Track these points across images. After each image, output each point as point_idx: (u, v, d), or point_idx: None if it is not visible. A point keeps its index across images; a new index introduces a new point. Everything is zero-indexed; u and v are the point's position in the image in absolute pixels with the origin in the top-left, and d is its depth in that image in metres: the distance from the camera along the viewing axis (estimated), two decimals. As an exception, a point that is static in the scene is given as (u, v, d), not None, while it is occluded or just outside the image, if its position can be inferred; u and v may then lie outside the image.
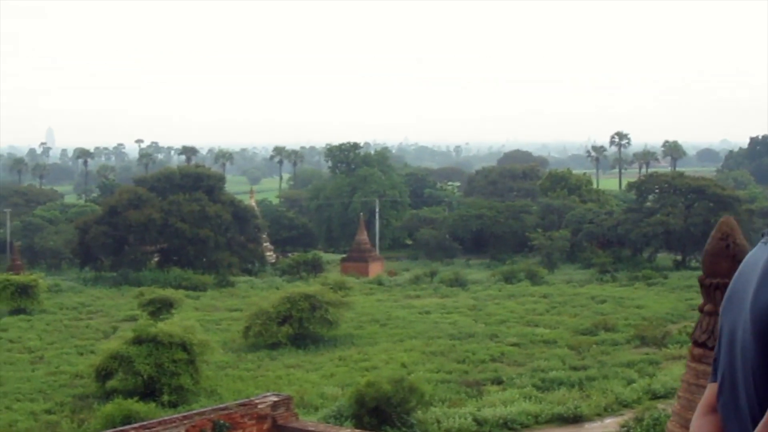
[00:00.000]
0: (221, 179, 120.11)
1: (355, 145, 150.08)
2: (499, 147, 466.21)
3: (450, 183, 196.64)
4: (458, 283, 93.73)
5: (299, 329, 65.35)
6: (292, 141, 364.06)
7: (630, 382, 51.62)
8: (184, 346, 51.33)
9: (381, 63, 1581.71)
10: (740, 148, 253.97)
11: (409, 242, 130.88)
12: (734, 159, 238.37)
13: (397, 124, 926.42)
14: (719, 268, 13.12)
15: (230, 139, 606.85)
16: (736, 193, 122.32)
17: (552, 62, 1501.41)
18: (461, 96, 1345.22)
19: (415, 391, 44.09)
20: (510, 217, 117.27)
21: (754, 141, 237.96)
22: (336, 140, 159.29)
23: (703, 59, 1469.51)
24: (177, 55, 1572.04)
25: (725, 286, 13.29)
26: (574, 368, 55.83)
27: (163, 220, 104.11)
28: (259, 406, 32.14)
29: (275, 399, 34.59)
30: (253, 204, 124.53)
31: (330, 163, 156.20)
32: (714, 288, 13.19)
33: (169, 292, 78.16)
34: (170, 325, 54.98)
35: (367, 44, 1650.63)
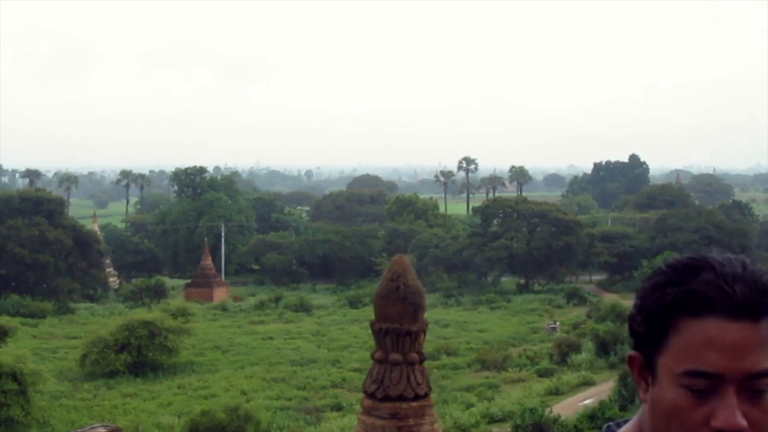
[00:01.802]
0: (62, 203, 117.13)
1: (202, 169, 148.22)
2: (350, 171, 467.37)
3: (299, 207, 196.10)
4: (303, 308, 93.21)
5: (138, 357, 63.92)
6: (143, 164, 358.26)
7: (469, 406, 51.84)
8: (15, 376, 49.39)
9: (235, 86, 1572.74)
10: (584, 174, 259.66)
11: (255, 267, 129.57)
12: (578, 184, 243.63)
13: (248, 148, 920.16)
14: (390, 312, 12.22)
15: (79, 162, 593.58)
16: (577, 217, 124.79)
17: (405, 87, 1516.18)
18: (315, 120, 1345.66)
19: (250, 420, 43.45)
20: (356, 242, 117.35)
21: (597, 167, 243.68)
22: (186, 164, 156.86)
23: (550, 87, 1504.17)
24: (24, 75, 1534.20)
25: (396, 331, 12.75)
26: (415, 393, 55.71)
27: (1, 246, 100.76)
28: (87, 438, 31.03)
29: (103, 430, 33.49)
30: (96, 229, 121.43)
31: (176, 188, 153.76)
32: (384, 333, 12.29)
33: (3, 320, 75.40)
34: (1, 355, 53.02)
35: (221, 67, 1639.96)
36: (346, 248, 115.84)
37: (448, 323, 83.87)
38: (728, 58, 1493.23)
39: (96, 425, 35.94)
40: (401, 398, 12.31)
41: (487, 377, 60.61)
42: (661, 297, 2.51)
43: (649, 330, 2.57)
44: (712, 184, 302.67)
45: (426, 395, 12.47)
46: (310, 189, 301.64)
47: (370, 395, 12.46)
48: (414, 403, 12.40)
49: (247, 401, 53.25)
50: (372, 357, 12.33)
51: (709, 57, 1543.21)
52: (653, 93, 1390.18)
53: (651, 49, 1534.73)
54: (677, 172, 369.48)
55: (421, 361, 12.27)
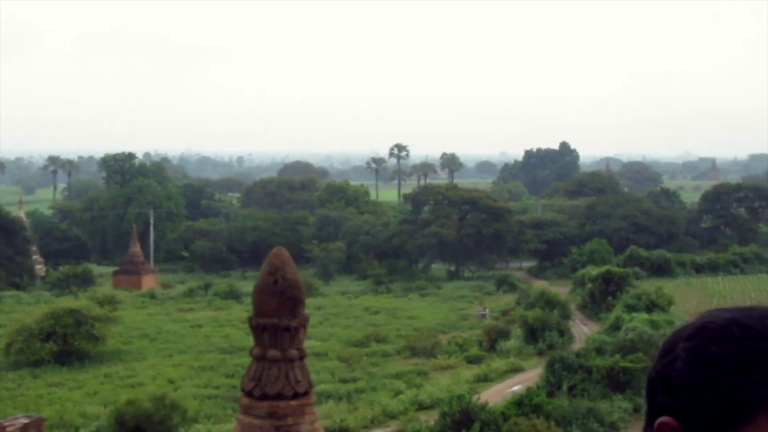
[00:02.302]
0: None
1: (131, 156, 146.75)
2: (282, 158, 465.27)
3: (230, 194, 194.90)
4: (233, 295, 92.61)
5: (64, 346, 62.88)
6: (73, 150, 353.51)
7: (398, 393, 51.70)
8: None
9: (166, 71, 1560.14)
10: (515, 161, 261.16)
11: (185, 254, 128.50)
12: (509, 171, 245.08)
13: (180, 134, 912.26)
14: (268, 307, 11.70)
15: (6, 147, 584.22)
16: (508, 204, 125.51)
17: (338, 74, 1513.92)
18: (247, 106, 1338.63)
19: (177, 408, 42.96)
20: (287, 229, 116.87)
21: (528, 154, 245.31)
22: (117, 150, 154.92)
23: (482, 74, 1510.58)
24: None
25: (274, 326, 12.42)
26: (344, 380, 55.68)
27: None
28: (8, 429, 30.49)
29: (25, 421, 32.94)
30: (23, 215, 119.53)
31: (105, 174, 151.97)
32: (262, 329, 11.82)
33: None
34: None
35: (155, 50, 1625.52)
36: (276, 235, 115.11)
37: (378, 310, 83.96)
38: (658, 49, 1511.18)
39: (18, 416, 35.22)
40: (279, 396, 11.98)
41: (416, 364, 60.61)
42: (740, 386, 2.19)
43: (713, 412, 2.24)
44: (641, 171, 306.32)
45: (306, 393, 12.14)
46: (242, 175, 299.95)
47: (248, 393, 12.08)
48: (293, 402, 12.08)
49: (175, 390, 52.76)
50: (250, 354, 11.98)
51: (639, 47, 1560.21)
52: (583, 81, 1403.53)
53: (581, 39, 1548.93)
54: (607, 159, 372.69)
55: (301, 358, 11.96)
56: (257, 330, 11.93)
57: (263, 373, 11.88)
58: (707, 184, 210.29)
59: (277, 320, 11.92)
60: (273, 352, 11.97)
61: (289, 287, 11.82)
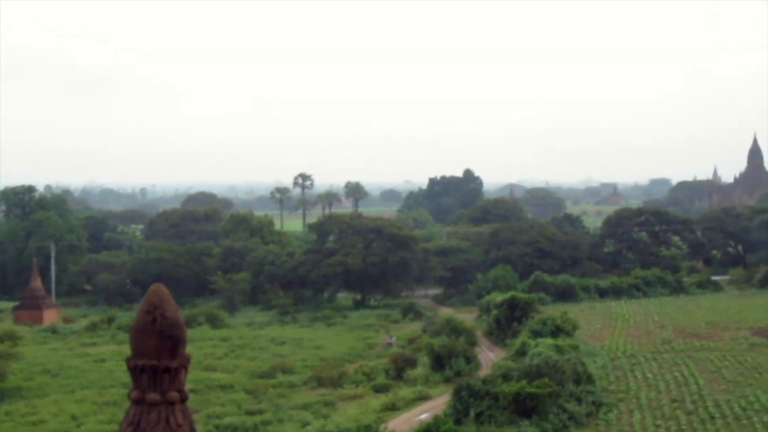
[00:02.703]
0: None
1: (31, 188, 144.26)
2: (185, 189, 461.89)
3: (133, 226, 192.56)
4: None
5: (-38, 384, 61.28)
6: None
7: (305, 424, 51.26)
8: None
9: (64, 102, 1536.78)
10: (420, 189, 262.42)
11: (87, 288, 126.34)
12: (414, 199, 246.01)
13: (81, 166, 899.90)
14: (146, 347, 11.22)
15: None
16: (413, 232, 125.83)
17: (241, 102, 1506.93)
18: (149, 137, 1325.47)
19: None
20: (191, 260, 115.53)
21: (432, 181, 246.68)
22: (16, 182, 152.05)
23: (386, 103, 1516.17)
24: None
25: (153, 368, 11.98)
26: (250, 413, 55.05)
27: None
28: None
29: None
30: None
31: (4, 207, 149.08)
32: (140, 371, 11.34)
33: None
34: None
35: (54, 82, 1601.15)
36: (180, 267, 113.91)
37: (284, 341, 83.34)
38: (560, 76, 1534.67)
39: None
40: (160, 442, 11.48)
41: (323, 394, 60.22)
42: None
43: None
44: (544, 197, 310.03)
45: (188, 437, 11.64)
46: (145, 207, 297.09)
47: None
48: (174, 448, 11.60)
49: (78, 426, 51.82)
50: (128, 397, 11.48)
51: (540, 75, 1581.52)
52: (487, 109, 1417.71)
53: (483, 66, 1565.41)
54: (511, 186, 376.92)
55: (183, 400, 11.50)
56: (135, 372, 11.30)
57: (142, 418, 11.33)
58: (609, 209, 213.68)
59: (156, 361, 11.41)
60: (152, 395, 11.40)
61: (169, 326, 11.30)
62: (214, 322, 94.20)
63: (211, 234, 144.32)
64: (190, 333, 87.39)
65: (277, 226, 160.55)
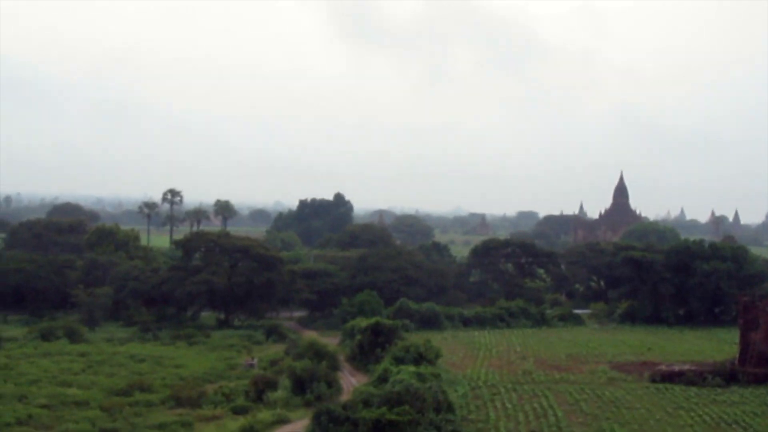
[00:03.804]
0: None
1: None
2: (51, 199, 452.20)
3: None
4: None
5: None
6: None
7: (161, 444, 50.10)
8: None
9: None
10: (290, 210, 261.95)
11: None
12: (283, 220, 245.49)
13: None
14: None
15: None
16: (280, 253, 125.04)
17: (110, 114, 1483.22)
18: (17, 145, 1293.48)
19: None
20: (52, 272, 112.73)
21: (302, 204, 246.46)
22: None
23: (256, 122, 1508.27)
24: None
25: None
26: (105, 431, 53.54)
27: None
28: None
29: None
30: None
31: None
32: None
33: None
34: None
35: None
36: (41, 278, 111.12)
37: (144, 358, 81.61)
38: (429, 105, 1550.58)
39: None
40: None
41: (180, 414, 58.96)
42: None
43: None
44: (413, 224, 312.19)
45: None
46: (8, 216, 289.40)
47: None
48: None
49: None
50: None
51: (409, 103, 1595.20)
52: (360, 133, 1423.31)
53: (353, 91, 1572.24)
54: (380, 212, 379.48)
55: None
56: None
57: None
58: (477, 239, 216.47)
59: None
60: None
61: None
62: (72, 336, 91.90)
63: (74, 246, 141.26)
64: (47, 346, 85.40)
65: (144, 242, 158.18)
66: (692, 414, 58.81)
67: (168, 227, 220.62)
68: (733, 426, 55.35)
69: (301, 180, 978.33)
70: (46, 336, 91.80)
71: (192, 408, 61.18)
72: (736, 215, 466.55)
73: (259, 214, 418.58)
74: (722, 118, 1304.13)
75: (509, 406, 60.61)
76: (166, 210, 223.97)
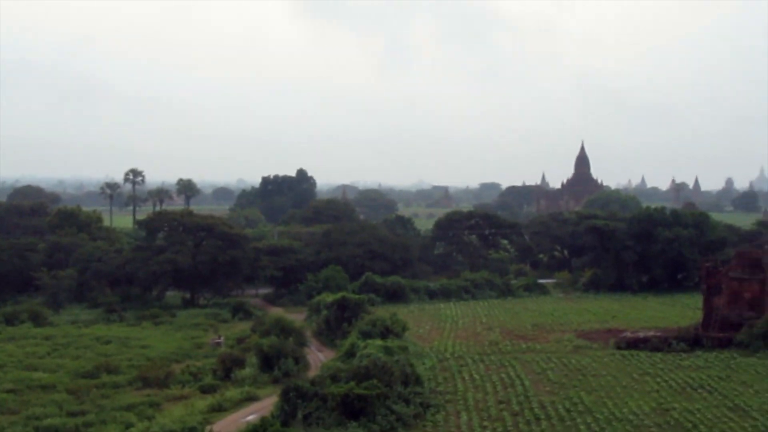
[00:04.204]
0: None
1: None
2: (12, 182, 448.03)
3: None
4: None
5: None
6: None
7: (129, 426, 49.91)
8: None
9: None
10: (253, 188, 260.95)
11: None
12: (246, 198, 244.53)
13: None
14: None
15: None
16: (243, 231, 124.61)
17: (71, 96, 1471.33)
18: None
19: None
20: (14, 256, 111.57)
21: (265, 180, 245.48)
22: None
23: (218, 98, 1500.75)
24: None
25: None
26: (72, 414, 53.30)
27: None
28: None
29: None
30: None
31: None
32: None
33: None
34: None
35: None
36: (3, 262, 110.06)
37: (110, 340, 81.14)
38: (390, 79, 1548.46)
39: None
40: None
41: (148, 395, 58.83)
42: None
43: None
44: (377, 199, 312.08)
45: None
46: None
47: None
48: None
49: None
50: None
51: (370, 78, 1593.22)
52: (322, 109, 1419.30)
53: (315, 67, 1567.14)
54: (343, 187, 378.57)
55: None
56: None
57: None
58: (440, 212, 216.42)
59: None
60: None
61: None
62: (37, 319, 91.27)
63: (36, 229, 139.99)
64: (11, 331, 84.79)
65: (107, 223, 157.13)
66: (658, 379, 59.34)
67: (131, 207, 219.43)
68: (699, 390, 55.89)
69: (263, 157, 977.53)
70: (9, 320, 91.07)
71: (159, 388, 61.07)
72: (696, 182, 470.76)
73: (222, 192, 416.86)
74: (681, 87, 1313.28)
75: (477, 376, 60.88)
76: (129, 190, 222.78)
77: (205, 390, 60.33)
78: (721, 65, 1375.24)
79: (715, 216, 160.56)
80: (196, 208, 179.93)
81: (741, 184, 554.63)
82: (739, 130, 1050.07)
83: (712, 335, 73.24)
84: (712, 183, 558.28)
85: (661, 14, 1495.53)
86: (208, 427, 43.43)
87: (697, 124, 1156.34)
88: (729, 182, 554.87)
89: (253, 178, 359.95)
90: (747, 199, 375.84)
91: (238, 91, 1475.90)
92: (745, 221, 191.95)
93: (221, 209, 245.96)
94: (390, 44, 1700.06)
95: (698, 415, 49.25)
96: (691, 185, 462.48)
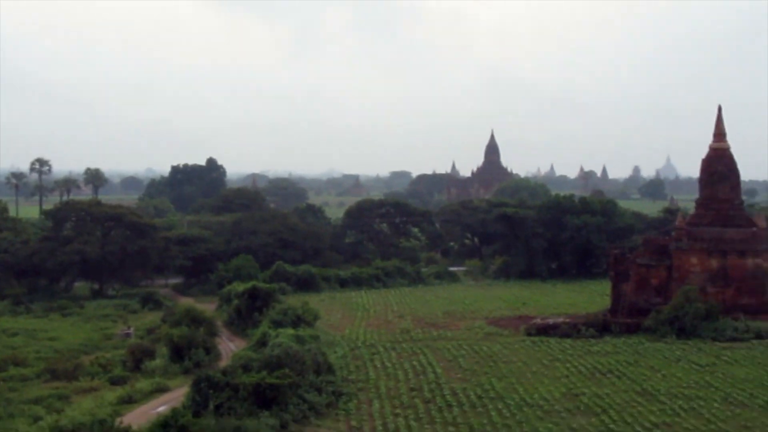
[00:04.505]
0: None
1: None
2: None
3: None
4: None
5: None
6: None
7: (37, 419, 49.00)
8: None
9: None
10: (162, 177, 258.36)
11: None
12: (156, 187, 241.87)
13: None
14: None
15: None
16: (153, 221, 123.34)
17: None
18: None
19: None
20: None
21: (175, 170, 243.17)
22: None
23: (125, 89, 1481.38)
24: None
25: None
26: (-25, 409, 52.22)
27: None
28: None
29: None
30: None
31: None
32: None
33: None
34: None
35: None
36: None
37: (17, 332, 79.81)
38: (297, 69, 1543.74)
39: None
40: None
41: (57, 388, 57.93)
42: None
43: None
44: (287, 187, 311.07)
45: None
46: None
47: None
48: None
49: None
50: None
51: (288, 68, 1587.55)
52: (233, 98, 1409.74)
53: (222, 58, 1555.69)
54: (254, 176, 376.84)
55: None
56: None
57: None
58: (351, 200, 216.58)
59: None
60: None
61: None
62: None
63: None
64: None
65: (13, 213, 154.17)
66: (567, 365, 60.12)
67: (37, 197, 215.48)
68: (608, 375, 56.75)
69: (173, 146, 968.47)
70: None
71: (68, 380, 60.18)
72: (604, 170, 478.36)
73: (130, 182, 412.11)
74: (590, 78, 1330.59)
75: (389, 364, 61.06)
76: (35, 180, 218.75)
77: (115, 382, 59.63)
78: (629, 58, 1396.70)
79: (623, 203, 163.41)
80: (104, 197, 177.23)
81: (648, 172, 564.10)
82: (646, 120, 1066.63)
83: (620, 321, 74.40)
84: (619, 171, 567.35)
85: (571, 9, 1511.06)
86: (118, 419, 42.93)
87: (605, 114, 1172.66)
88: (636, 170, 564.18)
89: (163, 168, 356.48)
90: (653, 187, 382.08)
91: (147, 79, 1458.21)
92: (651, 208, 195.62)
93: (130, 199, 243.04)
94: (301, 32, 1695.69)
95: (607, 400, 50.01)
96: (599, 173, 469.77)
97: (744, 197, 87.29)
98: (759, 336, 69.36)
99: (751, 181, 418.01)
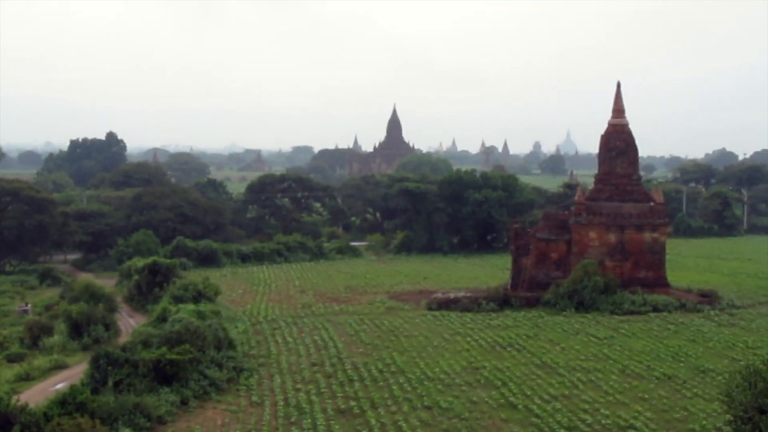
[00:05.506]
0: None
1: None
2: None
3: None
4: None
5: None
6: None
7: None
8: None
9: None
10: (61, 151, 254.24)
11: None
12: (54, 162, 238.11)
13: None
14: None
15: None
16: (51, 195, 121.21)
17: None
18: None
19: None
20: None
21: (74, 144, 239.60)
22: None
23: (21, 59, 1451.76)
24: None
25: None
26: None
27: None
28: None
29: None
30: None
31: None
32: None
33: None
34: None
35: None
36: None
37: None
38: (212, 43, 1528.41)
39: None
40: None
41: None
42: None
43: None
44: (188, 162, 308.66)
45: None
46: None
47: None
48: None
49: None
50: None
51: (190, 42, 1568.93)
52: (133, 71, 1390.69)
53: (129, 30, 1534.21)
54: (154, 150, 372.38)
55: None
56: None
57: None
58: (253, 175, 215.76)
59: None
60: None
61: None
62: None
63: None
64: None
65: None
66: (468, 339, 60.72)
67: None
68: (508, 349, 57.46)
69: (71, 120, 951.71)
70: None
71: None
72: (505, 146, 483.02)
73: (28, 156, 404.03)
74: (492, 55, 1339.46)
75: (290, 339, 61.06)
76: None
77: (12, 359, 58.62)
78: (532, 35, 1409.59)
79: (524, 178, 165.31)
80: (1, 172, 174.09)
81: (548, 147, 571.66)
82: (547, 96, 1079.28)
83: (520, 295, 75.36)
84: (520, 147, 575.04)
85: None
86: (15, 397, 42.22)
87: (506, 90, 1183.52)
88: (537, 146, 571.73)
89: (61, 142, 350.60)
90: (554, 163, 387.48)
91: (46, 50, 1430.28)
92: (552, 184, 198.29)
93: (28, 173, 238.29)
94: (203, 5, 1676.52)
95: (507, 373, 50.65)
96: (500, 149, 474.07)
97: (642, 173, 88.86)
98: (656, 309, 70.97)
99: (649, 157, 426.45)
